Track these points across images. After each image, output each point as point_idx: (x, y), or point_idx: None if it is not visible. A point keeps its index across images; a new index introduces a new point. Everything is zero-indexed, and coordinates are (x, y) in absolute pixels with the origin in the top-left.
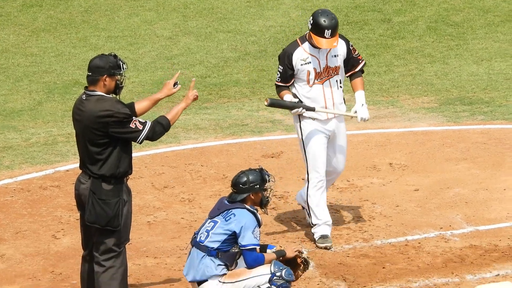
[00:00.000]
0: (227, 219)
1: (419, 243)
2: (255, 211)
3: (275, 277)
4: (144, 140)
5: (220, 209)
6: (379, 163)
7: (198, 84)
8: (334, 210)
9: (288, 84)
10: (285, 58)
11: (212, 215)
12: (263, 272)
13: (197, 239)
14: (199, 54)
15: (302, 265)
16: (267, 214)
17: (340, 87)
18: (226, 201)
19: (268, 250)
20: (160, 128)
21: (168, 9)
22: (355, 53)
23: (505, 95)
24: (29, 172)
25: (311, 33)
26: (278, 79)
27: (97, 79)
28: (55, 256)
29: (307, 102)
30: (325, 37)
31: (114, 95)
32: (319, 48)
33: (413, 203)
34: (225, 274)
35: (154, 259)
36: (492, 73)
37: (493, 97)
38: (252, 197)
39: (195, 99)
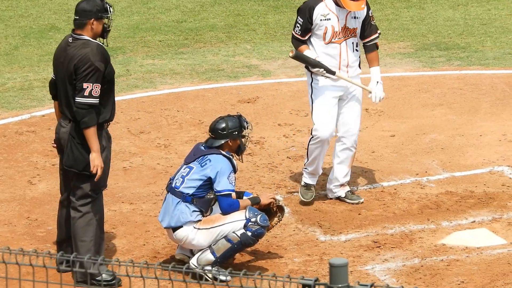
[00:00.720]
0: (202, 164)
1: (395, 189)
2: (230, 157)
3: (250, 223)
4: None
5: (195, 155)
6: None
7: (174, 28)
8: None
9: (305, 38)
10: (307, 11)
11: (188, 160)
12: (238, 217)
13: (173, 185)
14: None
15: (277, 213)
16: (242, 162)
17: (356, 50)
18: (202, 147)
19: (244, 197)
20: (93, 117)
21: None
22: (373, 21)
23: (481, 40)
24: (4, 117)
25: None
26: (298, 32)
27: (84, 23)
28: (30, 202)
29: (322, 58)
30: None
31: (101, 39)
32: (341, 7)
33: (389, 149)
34: (200, 220)
35: (130, 205)
36: (468, 18)
37: (469, 42)
38: (230, 144)
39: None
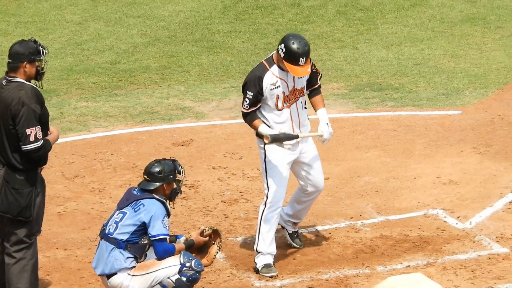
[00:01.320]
0: (136, 209)
1: (330, 233)
2: (164, 200)
3: (184, 268)
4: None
5: (129, 200)
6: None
7: (108, 70)
8: (245, 199)
9: (255, 108)
10: (256, 83)
11: (121, 206)
12: (173, 263)
13: (106, 231)
14: (108, 39)
15: (213, 242)
16: (173, 208)
17: (305, 108)
18: (135, 191)
19: (177, 240)
20: (44, 151)
21: None
22: (314, 68)
23: (414, 80)
24: None
25: (284, 61)
26: (247, 106)
27: (17, 66)
28: None
29: (274, 127)
30: (299, 65)
31: (36, 81)
32: (285, 70)
33: (324, 192)
34: (134, 266)
35: (64, 251)
36: (401, 58)
37: (402, 83)
38: (164, 187)
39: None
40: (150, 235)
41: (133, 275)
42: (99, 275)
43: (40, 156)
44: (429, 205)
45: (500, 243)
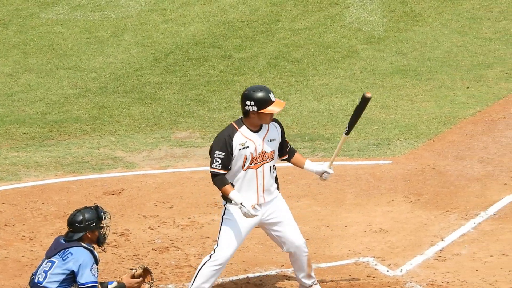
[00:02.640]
0: (64, 258)
1: (261, 280)
2: (92, 248)
3: None
4: None
5: (56, 249)
6: (220, 200)
7: (38, 121)
8: (175, 247)
9: (227, 171)
10: (226, 145)
11: (49, 254)
12: None
13: (36, 280)
14: (39, 90)
15: (145, 281)
16: (105, 251)
17: (274, 171)
18: (62, 240)
19: (109, 286)
20: None
21: (8, 46)
22: (284, 138)
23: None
24: None
25: (261, 112)
26: (219, 166)
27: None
28: None
29: (238, 188)
30: (273, 101)
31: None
32: (256, 132)
33: (254, 240)
34: None
35: None
36: (332, 109)
37: (333, 133)
38: (89, 235)
39: None
40: (79, 283)
41: None
42: None
43: None
44: (359, 253)
45: None
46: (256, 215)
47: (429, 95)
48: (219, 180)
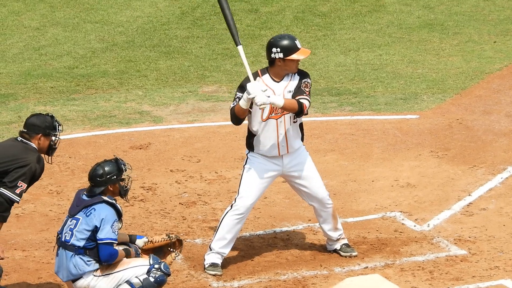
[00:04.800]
0: (88, 214)
1: (288, 235)
2: (114, 202)
3: (153, 269)
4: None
5: (79, 205)
6: None
7: (65, 75)
8: (203, 202)
9: None
10: (245, 85)
11: (73, 212)
12: (142, 263)
13: (63, 239)
14: (66, 45)
15: (172, 254)
16: (128, 202)
17: (294, 122)
18: (84, 196)
19: (137, 241)
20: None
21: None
22: (306, 88)
23: (372, 85)
24: None
25: (286, 59)
26: (233, 103)
27: (32, 137)
28: None
29: (258, 138)
30: (300, 48)
31: (46, 155)
32: (278, 82)
33: (281, 194)
34: (98, 268)
35: (22, 252)
36: (359, 63)
37: (360, 88)
38: (111, 188)
39: None
40: (97, 237)
41: (99, 276)
42: (65, 281)
43: (6, 210)
44: (386, 208)
45: (458, 245)
46: (268, 103)
47: (456, 50)
48: (231, 110)
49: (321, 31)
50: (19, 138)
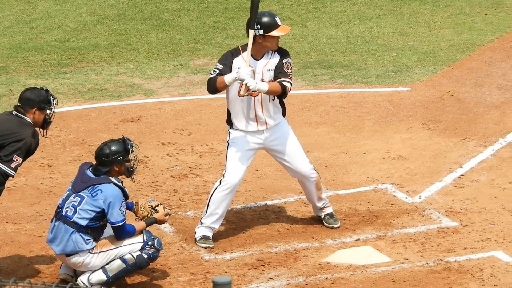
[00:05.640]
0: (94, 195)
1: (279, 207)
2: (120, 183)
3: (147, 246)
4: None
5: (84, 182)
6: None
7: (56, 48)
8: (194, 174)
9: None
10: (227, 59)
11: (77, 188)
12: (136, 240)
13: (64, 214)
14: (57, 18)
15: (161, 207)
16: (134, 182)
17: (273, 99)
18: (89, 173)
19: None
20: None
21: None
22: (288, 69)
23: (363, 58)
24: None
25: (267, 35)
26: (214, 73)
27: (27, 111)
28: None
29: (236, 114)
30: (280, 25)
31: (41, 129)
32: (257, 60)
33: (273, 167)
34: (95, 246)
35: (14, 225)
36: (350, 36)
37: (352, 60)
38: (117, 169)
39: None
40: (109, 221)
41: (95, 253)
42: (58, 254)
43: (0, 184)
44: (378, 180)
45: (449, 217)
46: (256, 89)
47: (447, 22)
48: (212, 80)
49: (312, 3)
50: (14, 112)
